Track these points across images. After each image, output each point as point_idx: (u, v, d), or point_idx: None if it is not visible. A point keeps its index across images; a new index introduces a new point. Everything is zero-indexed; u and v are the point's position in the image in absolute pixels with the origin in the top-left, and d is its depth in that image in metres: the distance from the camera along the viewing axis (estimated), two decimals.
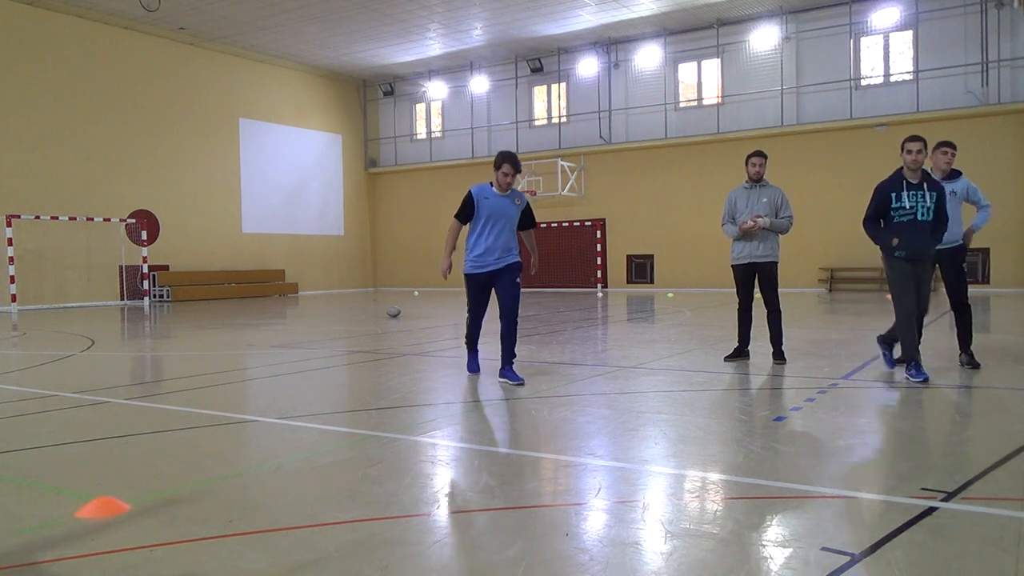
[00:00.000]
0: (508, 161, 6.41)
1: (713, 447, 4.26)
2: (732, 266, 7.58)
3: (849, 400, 5.52)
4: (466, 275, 6.59)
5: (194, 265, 23.28)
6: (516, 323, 6.60)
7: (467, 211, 6.52)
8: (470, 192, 6.53)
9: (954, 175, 6.85)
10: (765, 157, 7.49)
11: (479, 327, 6.93)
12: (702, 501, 3.33)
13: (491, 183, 6.59)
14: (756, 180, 7.45)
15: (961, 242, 6.81)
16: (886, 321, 11.75)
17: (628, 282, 24.64)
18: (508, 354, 6.55)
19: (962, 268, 6.84)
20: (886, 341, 6.98)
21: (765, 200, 7.38)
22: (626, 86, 24.15)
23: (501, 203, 6.51)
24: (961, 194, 6.84)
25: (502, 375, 6.49)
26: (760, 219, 7.26)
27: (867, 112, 20.80)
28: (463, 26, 22.54)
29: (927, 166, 6.61)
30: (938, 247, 6.52)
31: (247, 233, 24.95)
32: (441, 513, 3.23)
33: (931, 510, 3.12)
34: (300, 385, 6.88)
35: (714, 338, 9.73)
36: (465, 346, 7.01)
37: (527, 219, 6.76)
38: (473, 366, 6.99)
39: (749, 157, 7.46)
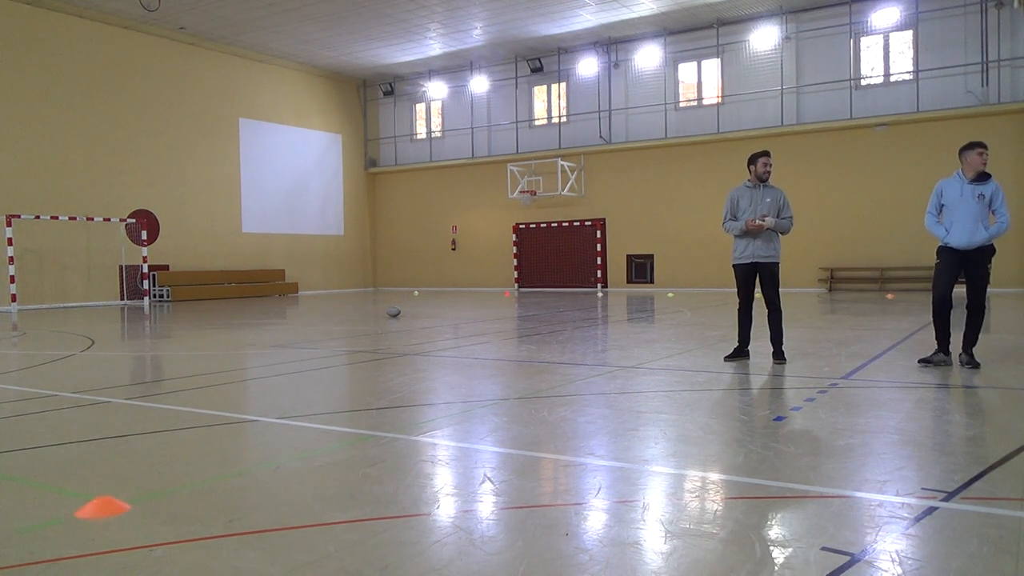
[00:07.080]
0: None
1: (713, 447, 4.26)
2: (734, 265, 7.55)
3: (849, 400, 5.52)
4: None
5: (194, 265, 23.28)
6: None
7: None
8: None
9: (984, 177, 6.74)
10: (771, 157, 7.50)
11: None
12: (702, 501, 3.33)
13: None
14: (763, 180, 7.43)
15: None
16: (886, 321, 11.75)
17: (628, 282, 24.64)
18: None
19: (986, 268, 6.82)
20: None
21: (769, 200, 7.37)
22: (626, 86, 24.15)
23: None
24: (988, 196, 6.74)
25: None
26: (767, 219, 7.25)
27: (867, 112, 20.79)
28: (463, 26, 22.53)
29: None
30: (967, 247, 6.67)
31: (247, 233, 24.95)
32: (441, 513, 3.22)
33: (931, 510, 3.12)
34: (300, 385, 6.88)
35: (714, 338, 9.73)
36: None
37: None
38: None
39: (759, 156, 7.40)
